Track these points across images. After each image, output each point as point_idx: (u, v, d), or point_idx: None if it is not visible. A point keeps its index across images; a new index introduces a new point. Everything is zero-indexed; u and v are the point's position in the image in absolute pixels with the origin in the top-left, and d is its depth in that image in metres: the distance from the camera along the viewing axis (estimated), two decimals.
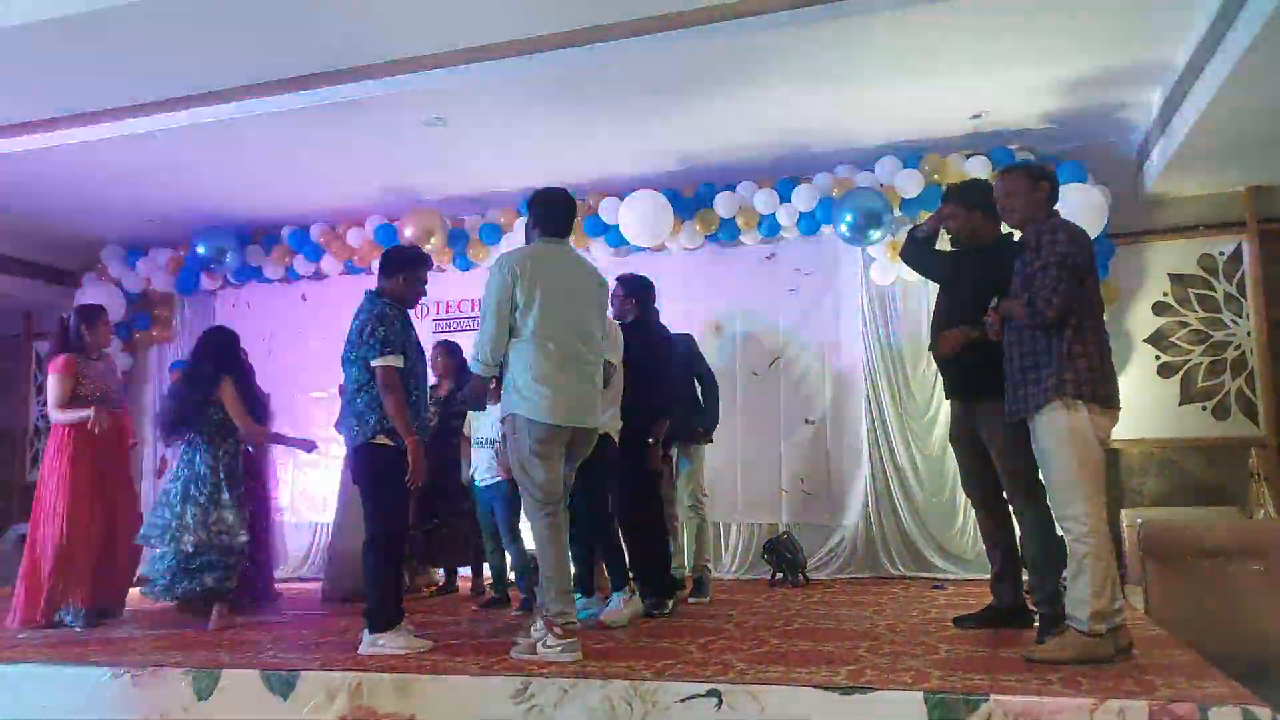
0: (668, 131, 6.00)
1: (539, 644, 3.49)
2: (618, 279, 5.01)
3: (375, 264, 4.57)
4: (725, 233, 6.71)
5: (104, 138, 5.52)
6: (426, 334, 7.20)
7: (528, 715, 3.10)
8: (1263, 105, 4.75)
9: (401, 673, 3.35)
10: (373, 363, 3.85)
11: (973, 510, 4.44)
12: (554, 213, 3.89)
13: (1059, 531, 3.45)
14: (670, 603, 4.70)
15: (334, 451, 6.19)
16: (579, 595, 4.31)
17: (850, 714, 2.84)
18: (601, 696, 3.06)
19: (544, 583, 3.62)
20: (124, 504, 5.20)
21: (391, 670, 3.39)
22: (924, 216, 5.54)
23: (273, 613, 5.19)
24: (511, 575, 5.33)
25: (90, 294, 7.47)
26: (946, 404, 4.44)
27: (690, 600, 5.18)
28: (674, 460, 5.42)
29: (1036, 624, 3.77)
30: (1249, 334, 6.04)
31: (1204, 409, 6.10)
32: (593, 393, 3.82)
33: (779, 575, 5.96)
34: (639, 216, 6.52)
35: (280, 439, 5.27)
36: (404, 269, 4.10)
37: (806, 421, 6.62)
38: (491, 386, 3.84)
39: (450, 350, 5.93)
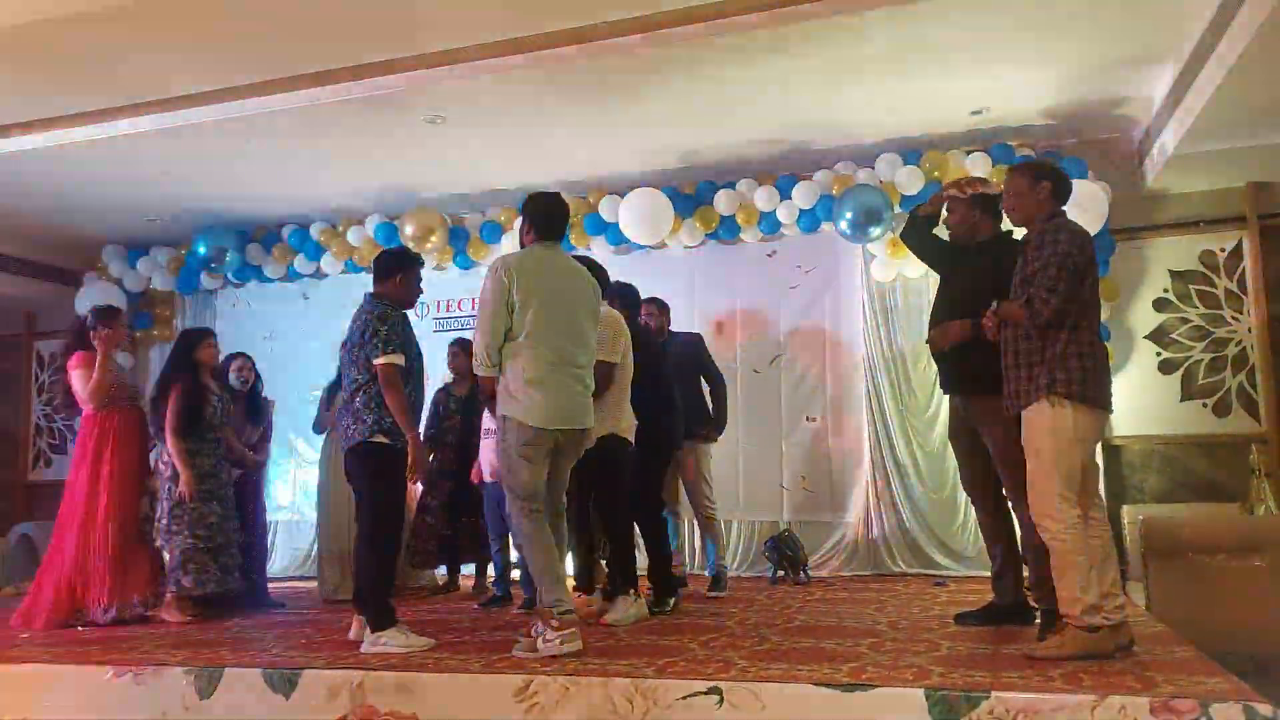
0: (668, 129, 6.00)
1: (539, 639, 3.52)
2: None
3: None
4: (726, 230, 6.71)
5: (105, 137, 5.52)
6: (427, 333, 7.22)
7: (529, 713, 3.11)
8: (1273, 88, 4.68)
9: (403, 671, 3.36)
10: (375, 360, 3.90)
11: (973, 507, 4.44)
12: (548, 216, 3.95)
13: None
14: (672, 601, 4.71)
15: (309, 456, 6.21)
16: (579, 593, 4.35)
17: (852, 711, 2.84)
18: (603, 694, 3.06)
19: (535, 577, 3.69)
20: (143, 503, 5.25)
21: (393, 669, 3.40)
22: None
23: (269, 611, 5.28)
24: (515, 574, 5.33)
25: (91, 293, 7.48)
26: (947, 401, 4.44)
27: (709, 593, 5.31)
28: (678, 461, 5.45)
29: (1038, 621, 3.77)
30: (1250, 330, 6.03)
31: (1205, 405, 6.09)
32: (584, 394, 3.87)
33: (780, 573, 5.97)
34: (639, 214, 6.51)
35: (231, 450, 5.40)
36: (399, 270, 4.14)
37: (807, 419, 6.62)
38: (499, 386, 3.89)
39: (468, 349, 5.93)
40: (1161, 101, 5.48)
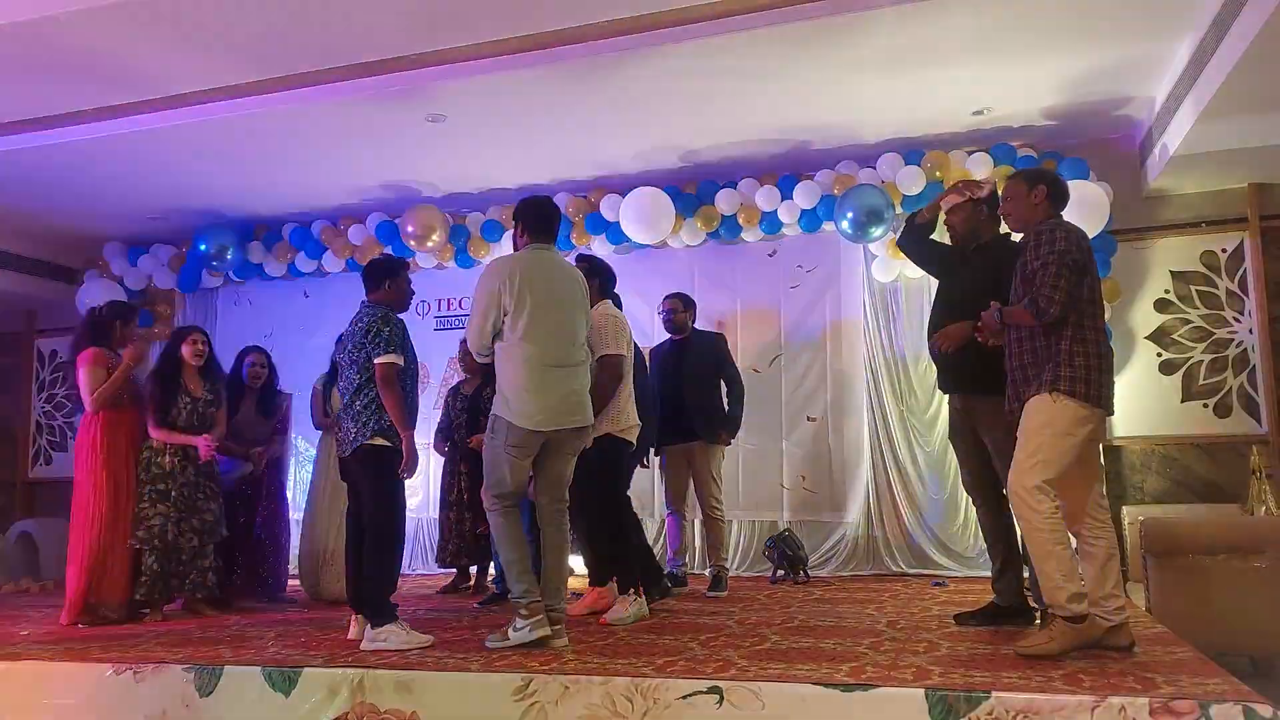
0: (669, 128, 6.00)
1: (509, 629, 3.68)
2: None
3: None
4: (727, 230, 6.71)
5: (106, 135, 5.52)
6: (428, 331, 7.24)
7: (529, 712, 3.11)
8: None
9: (403, 669, 3.36)
10: (375, 359, 3.99)
11: (974, 507, 4.44)
12: (540, 219, 4.03)
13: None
14: (656, 594, 4.75)
15: (311, 454, 6.20)
16: (592, 587, 4.51)
17: (851, 711, 2.84)
18: (603, 693, 3.06)
19: (505, 569, 3.86)
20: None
21: (392, 667, 3.40)
22: None
23: (281, 607, 5.30)
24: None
25: (92, 290, 7.48)
26: (947, 400, 4.44)
27: (709, 593, 5.33)
28: (689, 460, 5.58)
29: (1038, 621, 3.77)
30: (1251, 331, 6.03)
31: (1205, 406, 6.08)
32: (578, 393, 3.93)
33: (780, 572, 5.97)
34: (640, 213, 6.51)
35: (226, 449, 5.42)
36: (389, 276, 4.25)
37: (808, 419, 6.63)
38: None
39: None
40: (1163, 102, 5.48)
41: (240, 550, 5.59)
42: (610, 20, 4.43)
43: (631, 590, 4.47)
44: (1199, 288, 6.16)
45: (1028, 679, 2.90)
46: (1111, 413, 3.48)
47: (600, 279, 4.65)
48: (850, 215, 6.11)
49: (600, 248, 6.85)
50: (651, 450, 5.56)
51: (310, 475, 6.03)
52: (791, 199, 6.45)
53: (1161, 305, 6.22)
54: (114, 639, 4.31)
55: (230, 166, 6.46)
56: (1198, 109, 4.86)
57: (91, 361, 5.02)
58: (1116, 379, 6.01)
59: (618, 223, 6.67)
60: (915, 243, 4.39)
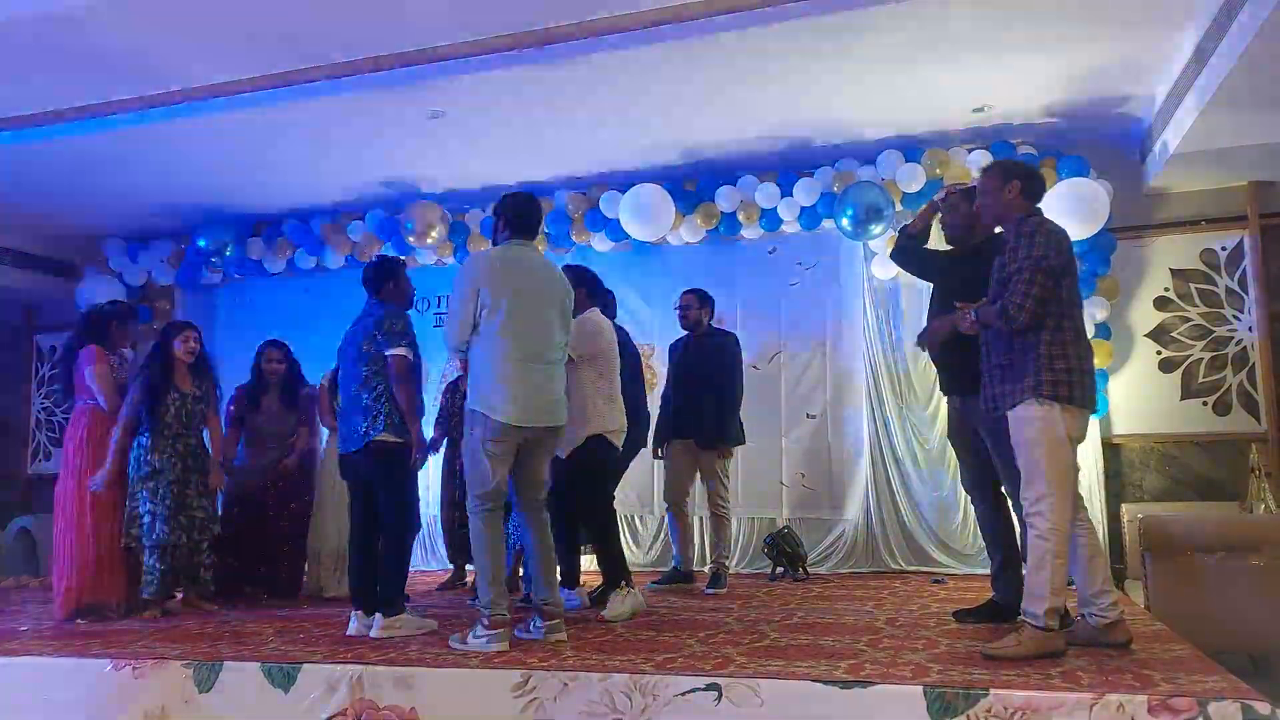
0: (669, 125, 5.99)
1: (470, 634, 3.66)
2: None
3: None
4: (727, 227, 6.70)
5: (105, 130, 5.52)
6: (428, 328, 7.22)
7: (528, 708, 3.11)
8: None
9: (402, 665, 3.36)
10: (388, 352, 4.06)
11: (973, 505, 4.45)
12: (520, 215, 4.04)
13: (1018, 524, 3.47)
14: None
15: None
16: (564, 588, 4.41)
17: (850, 708, 2.85)
18: (602, 689, 3.06)
19: (478, 575, 3.82)
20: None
21: (392, 663, 3.40)
22: None
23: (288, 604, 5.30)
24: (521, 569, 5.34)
25: (91, 286, 7.47)
26: (946, 400, 4.44)
27: (707, 590, 5.35)
28: (696, 459, 5.58)
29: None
30: (1250, 329, 6.03)
31: (1205, 404, 6.09)
32: (554, 391, 3.94)
33: (779, 569, 5.97)
34: (640, 210, 6.50)
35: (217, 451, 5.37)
36: (390, 278, 4.31)
37: (807, 416, 6.62)
38: None
39: None
40: (1164, 99, 5.47)
41: (265, 547, 5.56)
42: (611, 16, 4.43)
43: (624, 583, 4.48)
44: (1199, 286, 6.16)
45: (1026, 677, 2.91)
46: (1095, 411, 3.48)
47: (587, 288, 4.69)
48: (850, 212, 6.10)
49: (600, 244, 6.86)
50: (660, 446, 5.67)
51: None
52: (791, 196, 6.44)
53: (1161, 303, 6.22)
54: (113, 635, 4.32)
55: (230, 162, 6.44)
56: (1198, 107, 4.86)
57: (99, 359, 5.02)
58: (1115, 377, 6.10)
59: (617, 219, 6.66)
60: (909, 254, 4.41)
